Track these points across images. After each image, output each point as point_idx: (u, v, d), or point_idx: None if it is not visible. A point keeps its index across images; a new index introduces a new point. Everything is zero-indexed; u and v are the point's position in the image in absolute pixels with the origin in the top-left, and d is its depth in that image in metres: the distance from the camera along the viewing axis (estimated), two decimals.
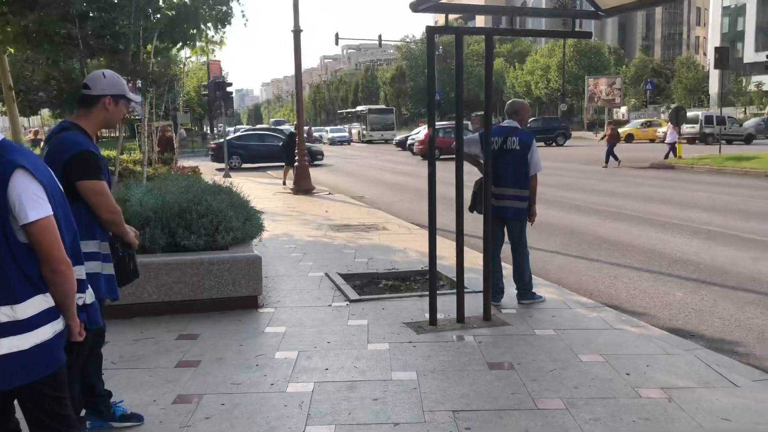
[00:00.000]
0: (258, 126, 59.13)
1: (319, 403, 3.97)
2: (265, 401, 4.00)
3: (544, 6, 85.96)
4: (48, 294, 2.41)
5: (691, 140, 36.39)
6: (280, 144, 31.49)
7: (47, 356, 2.42)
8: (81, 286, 2.65)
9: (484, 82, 5.57)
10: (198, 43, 13.08)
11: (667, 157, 24.77)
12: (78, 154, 3.28)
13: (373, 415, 3.79)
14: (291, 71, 17.00)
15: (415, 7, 4.97)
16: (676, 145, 24.93)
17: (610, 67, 67.11)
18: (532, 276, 6.30)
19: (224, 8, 10.46)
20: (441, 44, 67.61)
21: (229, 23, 10.70)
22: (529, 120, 6.33)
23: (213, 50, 15.55)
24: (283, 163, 19.51)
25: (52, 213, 2.37)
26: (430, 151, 5.58)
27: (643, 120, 50.04)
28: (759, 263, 8.05)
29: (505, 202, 5.97)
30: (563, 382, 4.24)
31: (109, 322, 3.80)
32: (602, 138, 25.90)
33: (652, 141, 42.34)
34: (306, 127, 46.52)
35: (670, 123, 25.51)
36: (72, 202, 3.25)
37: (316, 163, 29.95)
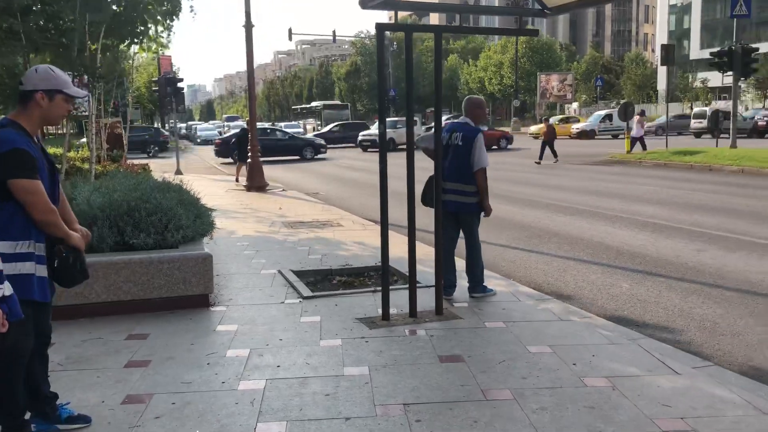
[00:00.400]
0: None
1: (270, 399, 3.97)
2: (216, 399, 3.98)
3: (496, 4, 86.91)
4: None
5: (698, 134, 37.59)
6: (286, 138, 31.33)
7: None
8: None
9: (433, 78, 5.62)
10: (144, 42, 12.89)
11: (631, 150, 25.43)
12: (7, 153, 3.19)
13: (324, 411, 3.81)
14: (244, 66, 16.72)
15: (364, 4, 4.99)
16: (640, 139, 25.53)
17: (562, 64, 68.38)
18: (484, 269, 6.39)
19: (171, 3, 10.30)
20: (396, 41, 67.74)
21: (177, 17, 10.54)
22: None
23: (160, 49, 15.31)
24: (296, 157, 19.38)
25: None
26: (381, 148, 5.61)
27: (561, 116, 50.81)
28: (702, 254, 8.33)
29: (449, 196, 6.03)
30: (512, 373, 4.33)
31: (55, 323, 3.72)
32: (538, 136, 26.39)
33: (570, 137, 42.85)
34: (282, 124, 46.19)
35: (637, 116, 26.22)
36: (4, 200, 3.19)
37: (318, 157, 29.89)
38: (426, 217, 6.57)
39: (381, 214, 5.62)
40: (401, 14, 5.53)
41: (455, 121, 6.37)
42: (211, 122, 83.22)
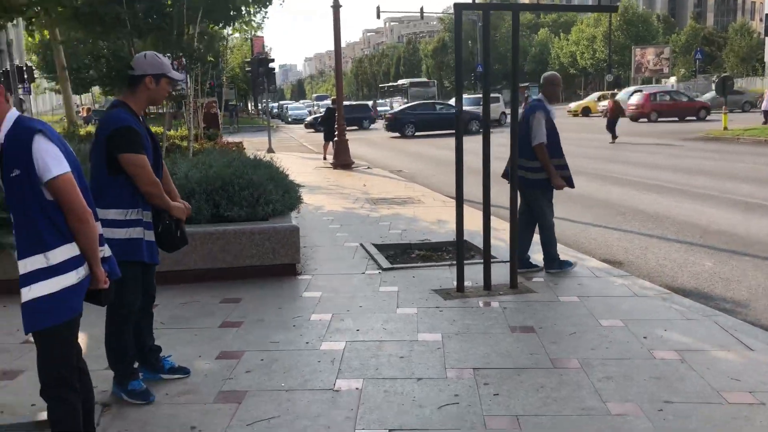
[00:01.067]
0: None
1: (349, 359, 4.28)
2: (300, 358, 4.34)
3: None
4: (74, 243, 2.71)
5: None
6: (452, 113, 31.91)
7: (74, 301, 2.72)
8: (100, 241, 2.89)
9: (523, 53, 5.71)
10: (238, 24, 13.44)
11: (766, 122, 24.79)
12: (117, 129, 3.59)
13: (398, 371, 4.08)
14: (333, 46, 16.99)
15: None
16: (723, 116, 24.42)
17: (659, 37, 65.38)
18: (558, 245, 6.45)
19: None
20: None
21: (271, 2, 10.95)
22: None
23: (253, 31, 15.87)
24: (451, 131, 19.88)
25: (69, 170, 2.67)
26: (457, 126, 5.78)
27: (599, 93, 48.30)
28: None
29: (518, 172, 6.11)
30: (581, 345, 4.47)
31: (158, 288, 4.15)
32: (605, 114, 25.32)
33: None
34: (370, 102, 46.98)
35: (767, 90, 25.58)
36: (116, 173, 3.60)
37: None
38: (504, 194, 6.69)
39: (456, 188, 5.81)
40: None
41: (534, 98, 6.46)
42: (301, 101, 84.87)
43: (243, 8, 11.69)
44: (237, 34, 16.89)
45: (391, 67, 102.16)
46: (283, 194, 6.95)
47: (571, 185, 6.40)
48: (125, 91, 3.87)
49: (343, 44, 17.17)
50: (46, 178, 2.60)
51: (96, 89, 56.74)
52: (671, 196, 11.21)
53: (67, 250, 2.69)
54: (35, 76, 33.33)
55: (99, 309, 3.15)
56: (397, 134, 30.34)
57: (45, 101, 65.34)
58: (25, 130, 2.62)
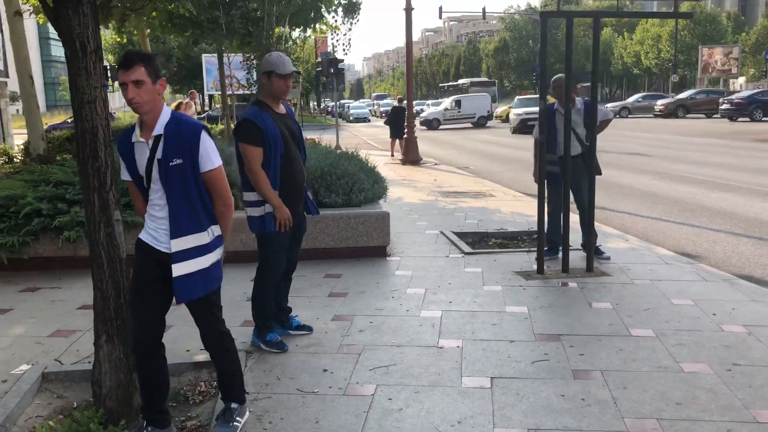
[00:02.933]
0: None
1: (447, 324, 4.90)
2: (403, 322, 4.98)
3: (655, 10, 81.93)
4: (218, 225, 3.23)
5: None
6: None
7: (218, 272, 3.27)
8: None
9: (591, 53, 6.20)
10: (318, 26, 14.21)
11: None
12: (239, 123, 4.28)
13: (492, 335, 4.68)
14: (392, 46, 17.57)
15: (544, 16, 5.70)
16: None
17: (727, 36, 63.67)
18: (611, 231, 6.89)
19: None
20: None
21: (358, 12, 11.60)
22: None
23: (330, 31, 16.64)
24: None
25: (221, 163, 3.17)
26: (540, 124, 6.32)
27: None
28: None
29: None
30: (655, 318, 4.97)
31: None
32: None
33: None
34: (429, 101, 46.79)
35: None
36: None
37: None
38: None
39: (539, 184, 6.36)
40: None
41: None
42: (361, 101, 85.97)
43: (327, 14, 12.44)
44: (314, 36, 17.64)
45: (451, 67, 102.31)
46: (373, 184, 7.63)
47: (557, 180, 6.54)
48: (261, 89, 4.56)
49: (402, 44, 17.81)
50: (206, 168, 3.07)
51: (169, 87, 58.85)
52: (740, 194, 11.42)
53: (215, 231, 3.21)
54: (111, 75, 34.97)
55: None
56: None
57: (115, 99, 68.24)
58: (191, 126, 3.11)
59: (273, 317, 4.57)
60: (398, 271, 6.49)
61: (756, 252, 7.46)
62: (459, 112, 40.53)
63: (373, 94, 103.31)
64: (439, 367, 4.14)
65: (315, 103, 74.79)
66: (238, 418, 3.39)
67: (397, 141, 19.64)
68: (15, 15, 9.89)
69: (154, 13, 12.78)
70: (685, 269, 6.40)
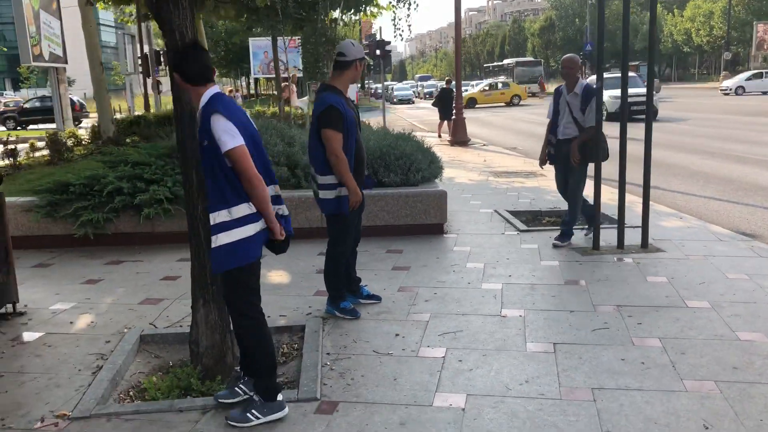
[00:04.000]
0: None
1: (508, 296, 5.17)
2: (466, 293, 5.26)
3: None
4: (251, 203, 3.34)
5: None
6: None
7: (249, 249, 3.30)
8: (277, 201, 3.54)
9: (641, 32, 6.32)
10: (369, 9, 14.41)
11: None
12: (325, 109, 4.53)
13: (552, 305, 4.93)
14: (434, 26, 17.50)
15: None
16: None
17: None
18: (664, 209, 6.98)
19: None
20: None
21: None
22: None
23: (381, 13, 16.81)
24: None
25: (243, 143, 3.26)
26: (597, 105, 6.47)
27: (487, 82, 45.16)
28: None
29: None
30: (710, 291, 5.14)
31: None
32: None
33: (507, 104, 40.05)
34: (474, 82, 47.00)
35: None
36: (320, 142, 4.52)
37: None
38: (630, 172, 7.31)
39: (595, 167, 6.52)
40: None
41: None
42: (404, 82, 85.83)
43: None
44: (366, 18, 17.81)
45: (495, 47, 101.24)
46: (429, 164, 7.89)
47: (552, 161, 6.86)
48: (333, 74, 4.81)
49: (444, 24, 17.98)
50: (224, 149, 3.22)
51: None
52: None
53: (245, 208, 3.32)
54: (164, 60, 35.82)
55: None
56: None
57: (165, 82, 70.00)
58: (207, 109, 3.27)
59: (345, 287, 4.90)
60: (456, 247, 6.76)
61: None
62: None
63: (416, 76, 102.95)
64: (504, 333, 4.41)
65: (359, 86, 74.97)
66: (255, 413, 3.37)
67: (445, 122, 19.80)
68: (86, 4, 10.39)
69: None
70: (739, 246, 6.51)
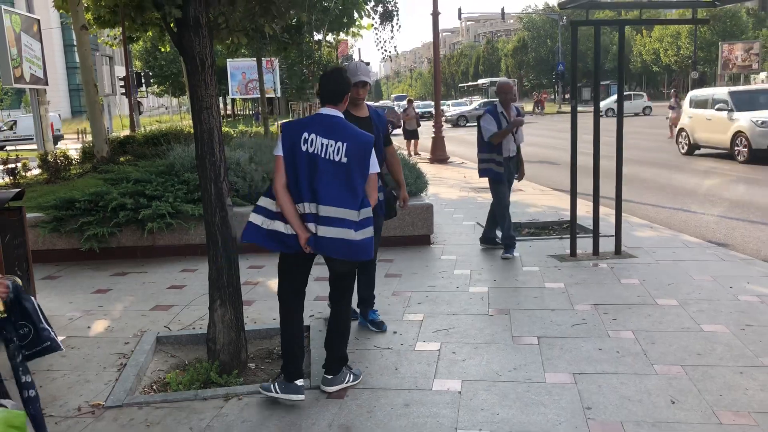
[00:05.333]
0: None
1: (494, 298, 5.61)
2: (455, 296, 5.69)
3: None
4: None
5: None
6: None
7: (370, 247, 3.72)
8: (305, 218, 3.71)
9: (604, 52, 6.87)
10: (352, 29, 14.94)
11: None
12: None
13: (535, 305, 5.38)
14: (408, 47, 18.10)
15: (562, 6, 6.39)
16: None
17: (748, 31, 63.60)
18: (645, 223, 7.51)
19: (389, 5, 12.07)
20: (564, 14, 66.67)
21: (397, 17, 12.25)
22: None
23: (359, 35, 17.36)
24: None
25: (279, 155, 3.71)
26: (572, 123, 6.99)
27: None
28: None
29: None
30: (679, 291, 5.63)
31: None
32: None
33: None
34: (450, 102, 47.75)
35: None
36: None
37: None
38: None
39: (571, 177, 7.02)
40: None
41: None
42: (380, 101, 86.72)
43: (360, 19, 13.16)
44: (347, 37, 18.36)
45: (470, 67, 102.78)
46: (415, 179, 8.34)
47: (500, 179, 7.19)
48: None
49: (419, 44, 18.59)
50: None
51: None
52: (758, 186, 11.98)
53: (271, 204, 3.78)
54: (144, 81, 36.08)
55: None
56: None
57: (145, 103, 70.21)
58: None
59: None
60: (443, 256, 7.20)
61: None
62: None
63: (392, 95, 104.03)
64: (492, 329, 4.84)
65: None
66: (275, 387, 3.81)
67: (413, 141, 20.65)
68: (81, 29, 10.74)
69: None
70: (705, 252, 7.04)
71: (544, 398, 3.72)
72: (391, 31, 11.57)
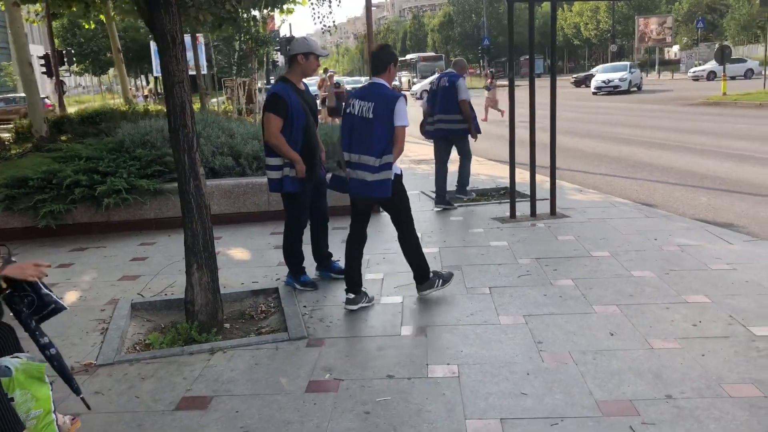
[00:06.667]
0: None
1: (446, 256, 6.07)
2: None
3: None
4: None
5: None
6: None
7: (387, 187, 4.71)
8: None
9: (526, 26, 7.39)
10: (287, 5, 15.04)
11: None
12: (269, 96, 5.18)
13: (483, 261, 5.87)
14: (336, 20, 18.27)
15: None
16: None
17: (661, 6, 66.32)
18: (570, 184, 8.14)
19: None
20: None
21: None
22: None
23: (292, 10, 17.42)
24: None
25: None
26: (510, 95, 7.48)
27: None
28: None
29: (440, 125, 8.46)
30: (609, 244, 6.23)
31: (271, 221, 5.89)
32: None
33: None
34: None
35: None
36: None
37: None
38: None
39: (510, 149, 7.53)
40: None
41: (444, 72, 8.80)
42: (310, 78, 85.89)
43: None
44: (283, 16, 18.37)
45: (397, 42, 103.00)
46: None
47: (430, 136, 8.72)
48: (288, 68, 5.48)
49: (344, 19, 18.77)
50: None
51: (112, 71, 58.05)
52: (674, 152, 12.92)
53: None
54: (67, 59, 34.76)
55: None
56: None
57: (68, 82, 67.55)
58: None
59: (302, 261, 5.47)
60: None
61: (688, 196, 8.86)
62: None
63: (320, 71, 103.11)
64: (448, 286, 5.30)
65: (263, 82, 74.60)
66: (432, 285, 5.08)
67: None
68: (13, 5, 10.48)
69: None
70: (631, 210, 7.71)
71: (501, 336, 4.20)
72: (329, 6, 11.78)
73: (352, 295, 4.87)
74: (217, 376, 3.84)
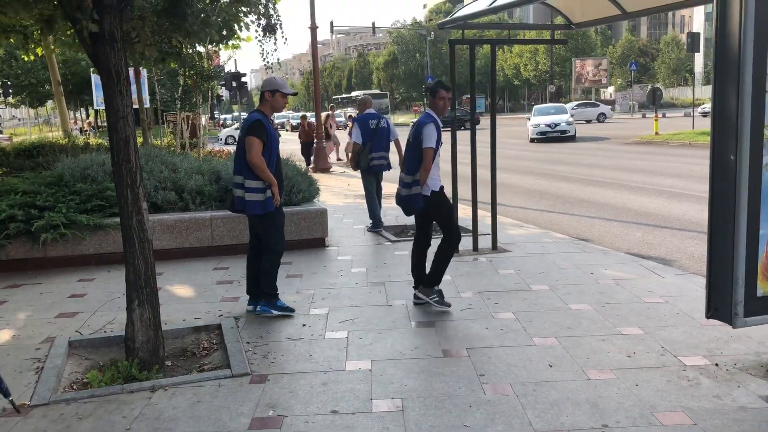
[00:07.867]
0: None
1: (391, 291, 6.13)
2: (356, 291, 6.15)
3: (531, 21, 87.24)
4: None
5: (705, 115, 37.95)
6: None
7: (416, 202, 5.48)
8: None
9: (474, 71, 7.66)
10: (231, 42, 15.04)
11: None
12: (252, 122, 5.32)
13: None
14: (281, 57, 18.24)
15: (441, 26, 7.06)
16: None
17: (597, 49, 69.18)
18: (515, 221, 8.39)
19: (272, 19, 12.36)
20: (432, 29, 69.49)
21: (274, 32, 12.55)
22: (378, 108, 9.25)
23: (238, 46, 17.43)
24: None
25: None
26: (452, 134, 7.68)
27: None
28: (705, 213, 10.20)
29: (376, 162, 9.31)
30: (548, 278, 6.42)
31: (226, 256, 5.89)
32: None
33: None
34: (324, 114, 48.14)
35: None
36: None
37: None
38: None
39: (452, 187, 7.70)
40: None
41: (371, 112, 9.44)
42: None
43: (239, 32, 13.35)
44: (227, 51, 18.39)
45: (342, 79, 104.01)
46: (308, 186, 8.74)
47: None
48: (260, 103, 5.56)
49: (289, 56, 18.96)
50: None
51: (50, 103, 56.69)
52: (610, 188, 13.41)
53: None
54: (3, 91, 33.93)
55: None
56: None
57: None
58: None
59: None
60: (339, 256, 7.65)
61: (623, 232, 9.20)
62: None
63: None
64: (393, 317, 5.35)
65: (207, 117, 73.97)
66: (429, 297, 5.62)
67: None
68: None
69: (68, 32, 13.16)
70: (569, 245, 7.96)
71: (444, 369, 4.26)
72: (275, 43, 11.85)
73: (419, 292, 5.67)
74: (158, 415, 3.77)
